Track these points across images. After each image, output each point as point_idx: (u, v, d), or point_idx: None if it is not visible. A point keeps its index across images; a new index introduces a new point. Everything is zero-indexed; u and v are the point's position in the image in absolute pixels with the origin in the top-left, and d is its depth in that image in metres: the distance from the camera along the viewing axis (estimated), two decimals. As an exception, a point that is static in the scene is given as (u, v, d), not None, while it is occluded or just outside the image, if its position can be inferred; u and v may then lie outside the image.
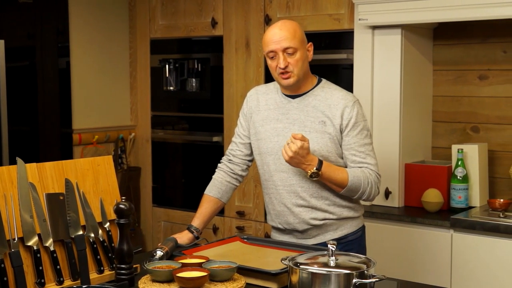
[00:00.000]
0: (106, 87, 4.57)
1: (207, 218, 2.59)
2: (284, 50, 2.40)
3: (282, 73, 2.42)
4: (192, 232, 2.51)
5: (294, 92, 2.51)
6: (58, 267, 2.03)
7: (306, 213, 2.48)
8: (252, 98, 2.63)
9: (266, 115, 2.54)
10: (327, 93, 2.49)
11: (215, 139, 4.21)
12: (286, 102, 2.52)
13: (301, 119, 2.47)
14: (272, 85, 2.61)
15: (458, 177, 3.31)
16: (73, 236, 2.09)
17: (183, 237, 2.48)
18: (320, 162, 2.34)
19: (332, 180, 2.39)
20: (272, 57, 2.44)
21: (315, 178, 2.35)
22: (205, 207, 2.59)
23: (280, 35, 2.41)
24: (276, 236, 2.59)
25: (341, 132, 2.44)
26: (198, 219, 2.56)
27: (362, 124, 2.47)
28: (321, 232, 2.49)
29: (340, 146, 2.46)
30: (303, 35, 2.46)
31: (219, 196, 2.62)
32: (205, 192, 2.64)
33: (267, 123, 2.53)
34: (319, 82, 2.54)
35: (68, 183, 2.14)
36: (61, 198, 2.11)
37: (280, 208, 2.52)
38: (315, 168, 2.33)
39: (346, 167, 2.48)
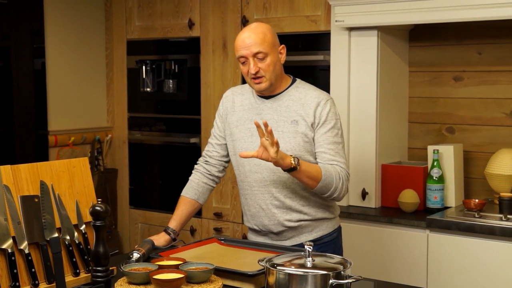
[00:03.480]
0: (82, 88, 4.54)
1: (184, 220, 2.58)
2: (254, 55, 2.39)
3: (254, 78, 2.42)
4: (169, 234, 2.50)
5: (268, 94, 2.51)
6: (33, 270, 2.01)
7: (281, 215, 2.48)
8: (228, 99, 2.63)
9: (240, 115, 2.55)
10: (301, 93, 2.49)
11: (193, 140, 4.20)
12: (260, 103, 2.53)
13: (274, 119, 2.47)
14: (248, 86, 2.61)
15: (434, 178, 3.33)
16: (48, 239, 2.07)
17: (160, 239, 2.47)
18: (293, 157, 2.31)
19: (308, 172, 2.33)
20: (243, 62, 2.43)
21: (295, 168, 2.28)
22: (182, 209, 2.59)
23: (249, 40, 2.39)
24: (252, 237, 2.60)
25: (313, 129, 2.44)
26: (175, 221, 2.55)
27: (333, 122, 2.46)
28: (296, 233, 2.50)
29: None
30: (274, 38, 2.44)
31: (195, 197, 2.61)
32: (181, 194, 2.63)
33: (241, 124, 2.54)
34: (293, 82, 2.54)
35: (43, 185, 2.12)
36: (36, 200, 2.09)
37: (255, 209, 2.52)
38: (292, 158, 2.28)
39: None
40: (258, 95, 2.54)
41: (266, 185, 2.48)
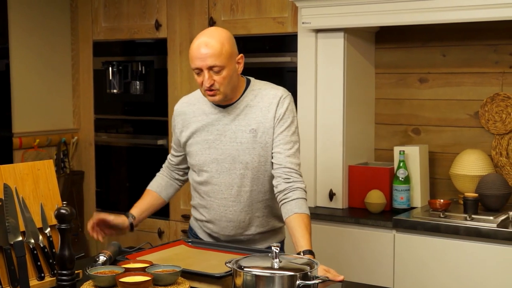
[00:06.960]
0: (48, 89, 4.48)
1: (145, 208, 2.61)
2: (210, 68, 2.28)
3: (208, 90, 2.33)
4: (127, 217, 2.54)
5: (224, 103, 2.42)
6: (-4, 274, 1.98)
7: (231, 230, 2.49)
8: (178, 112, 2.54)
9: (195, 127, 2.47)
10: (257, 95, 2.42)
11: (160, 142, 4.18)
12: (217, 112, 2.44)
13: (232, 130, 2.41)
14: (199, 93, 2.49)
15: (400, 178, 3.37)
16: (12, 243, 2.04)
17: (118, 219, 2.51)
18: (309, 250, 2.26)
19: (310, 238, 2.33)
20: (198, 73, 2.33)
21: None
22: (144, 199, 2.64)
23: (205, 51, 2.27)
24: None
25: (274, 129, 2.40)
26: (135, 208, 2.60)
27: (290, 119, 2.40)
28: (243, 244, 2.50)
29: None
30: (232, 48, 2.33)
31: (158, 190, 2.65)
32: (147, 188, 2.68)
33: (197, 135, 2.46)
34: (248, 84, 2.45)
35: (6, 188, 2.09)
36: None
37: (210, 216, 2.52)
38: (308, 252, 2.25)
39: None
40: (214, 104, 2.44)
41: (222, 198, 2.46)
